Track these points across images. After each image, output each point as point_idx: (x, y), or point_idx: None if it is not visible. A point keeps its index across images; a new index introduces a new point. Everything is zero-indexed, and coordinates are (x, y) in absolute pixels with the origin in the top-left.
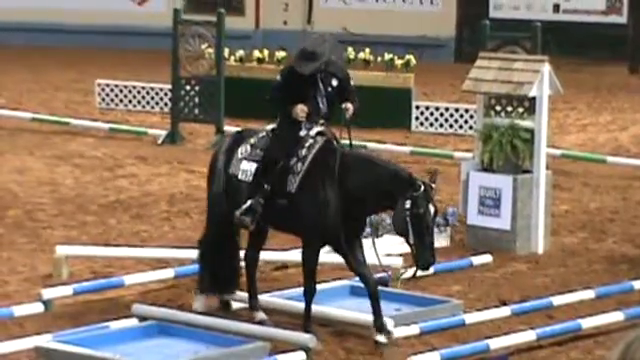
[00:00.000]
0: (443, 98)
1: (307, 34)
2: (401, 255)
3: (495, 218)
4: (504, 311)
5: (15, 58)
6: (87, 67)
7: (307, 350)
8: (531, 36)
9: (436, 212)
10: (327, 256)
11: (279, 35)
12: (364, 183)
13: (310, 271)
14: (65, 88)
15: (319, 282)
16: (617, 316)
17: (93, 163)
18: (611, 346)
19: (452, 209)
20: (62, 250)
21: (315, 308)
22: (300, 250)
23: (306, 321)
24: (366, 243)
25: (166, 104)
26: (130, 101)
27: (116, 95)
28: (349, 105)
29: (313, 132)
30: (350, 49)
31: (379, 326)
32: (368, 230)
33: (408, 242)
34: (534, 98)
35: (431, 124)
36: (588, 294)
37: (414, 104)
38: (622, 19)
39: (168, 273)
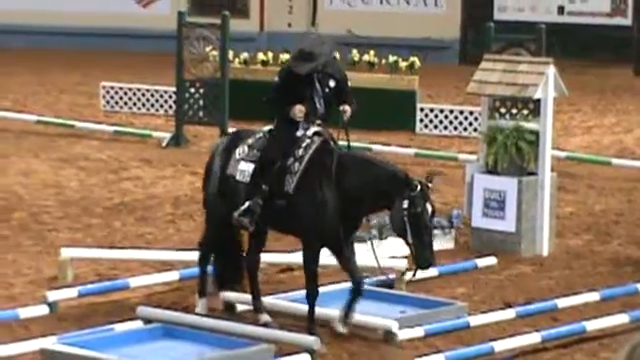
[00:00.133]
0: (448, 100)
1: (305, 35)
2: (405, 257)
3: (500, 220)
4: (509, 313)
5: (20, 61)
6: (92, 70)
7: (312, 352)
8: (536, 38)
9: (434, 211)
10: (330, 258)
11: (283, 37)
12: (361, 183)
13: (312, 273)
14: (70, 91)
15: (323, 285)
16: (622, 318)
17: (98, 166)
18: (616, 349)
19: (457, 211)
20: (67, 252)
21: (319, 310)
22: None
23: (310, 323)
24: (370, 245)
25: (170, 107)
26: (135, 104)
27: (121, 98)
28: (347, 107)
29: (310, 132)
30: (354, 51)
31: (344, 318)
32: (374, 232)
33: (407, 242)
34: (539, 100)
35: (435, 126)
36: (593, 296)
37: (418, 106)
38: (627, 21)
39: (173, 275)
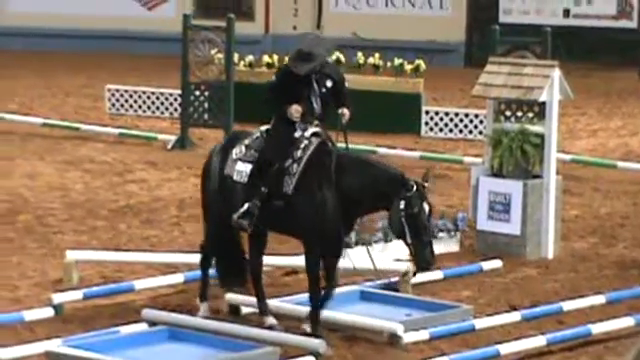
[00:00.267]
0: (453, 103)
1: (304, 35)
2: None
3: (505, 223)
4: (514, 316)
5: (25, 64)
6: (97, 72)
7: (317, 355)
8: (541, 41)
9: (431, 210)
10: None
11: (289, 40)
12: (360, 184)
13: (315, 276)
14: (75, 93)
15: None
16: (628, 321)
17: (103, 168)
18: (622, 352)
19: (462, 214)
20: (72, 255)
21: (325, 313)
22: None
23: (315, 326)
24: (376, 248)
25: (176, 109)
26: (140, 106)
27: (126, 100)
28: (345, 110)
29: (308, 133)
30: (360, 54)
31: (311, 317)
32: (380, 235)
33: (406, 243)
34: (544, 103)
35: (441, 129)
36: (598, 299)
37: (424, 109)
38: (632, 24)
39: (178, 278)
